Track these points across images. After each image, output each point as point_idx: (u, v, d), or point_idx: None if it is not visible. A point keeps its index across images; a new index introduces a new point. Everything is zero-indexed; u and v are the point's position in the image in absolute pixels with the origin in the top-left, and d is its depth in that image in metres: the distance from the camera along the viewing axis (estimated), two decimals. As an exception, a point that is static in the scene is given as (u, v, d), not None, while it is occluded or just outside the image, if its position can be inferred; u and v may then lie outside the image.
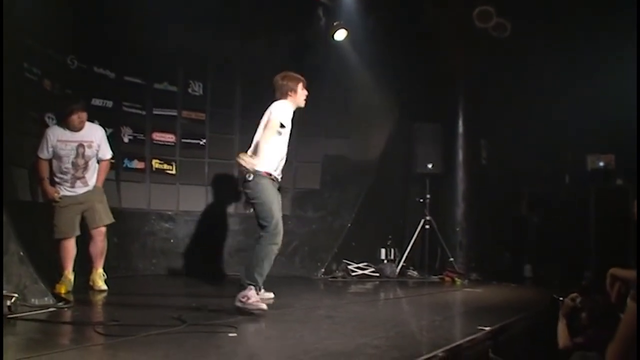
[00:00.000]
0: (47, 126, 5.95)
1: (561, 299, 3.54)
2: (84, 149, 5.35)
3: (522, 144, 7.69)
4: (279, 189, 4.81)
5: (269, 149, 4.63)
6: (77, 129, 5.31)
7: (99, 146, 5.47)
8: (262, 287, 4.42)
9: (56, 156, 5.27)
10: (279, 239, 4.49)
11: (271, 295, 4.95)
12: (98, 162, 5.54)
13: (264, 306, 4.23)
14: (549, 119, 7.55)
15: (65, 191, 5.30)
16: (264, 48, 7.64)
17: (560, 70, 7.40)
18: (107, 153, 5.61)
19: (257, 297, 4.27)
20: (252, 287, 4.30)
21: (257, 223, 4.56)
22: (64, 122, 5.31)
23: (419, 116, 8.06)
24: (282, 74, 4.95)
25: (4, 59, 4.47)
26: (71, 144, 5.30)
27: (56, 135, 5.27)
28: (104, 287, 5.42)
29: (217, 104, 7.63)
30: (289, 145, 4.83)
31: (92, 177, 5.46)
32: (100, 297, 5.16)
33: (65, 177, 5.32)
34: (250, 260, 4.49)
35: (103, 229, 5.47)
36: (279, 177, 4.79)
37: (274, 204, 4.57)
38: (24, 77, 5.80)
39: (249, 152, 4.67)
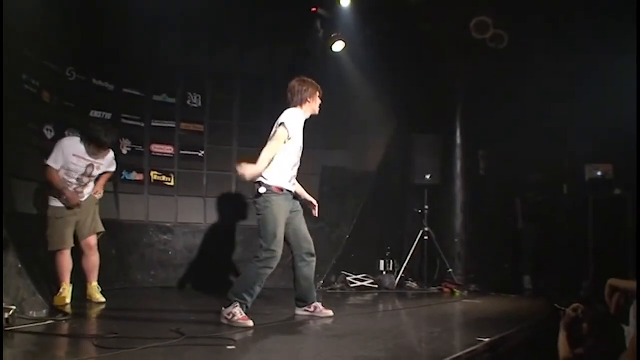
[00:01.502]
0: (46, 138, 5.99)
1: (563, 309, 3.52)
2: (92, 169, 5.38)
3: (520, 154, 7.69)
4: (295, 198, 4.73)
5: (279, 160, 4.53)
6: (95, 157, 5.35)
7: (106, 167, 5.55)
8: (249, 306, 4.33)
9: (65, 168, 5.24)
10: (274, 263, 4.36)
11: (330, 313, 4.86)
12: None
13: (251, 323, 4.19)
14: (546, 130, 7.56)
15: (60, 203, 5.30)
16: (263, 60, 7.68)
17: (558, 80, 7.42)
18: (113, 167, 5.68)
19: (242, 315, 4.23)
20: (237, 304, 4.26)
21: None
22: (87, 143, 5.28)
23: (417, 127, 8.07)
24: (299, 79, 4.80)
25: (3, 71, 4.48)
26: (84, 161, 5.29)
27: (73, 148, 5.24)
28: (102, 299, 5.40)
29: (216, 116, 7.64)
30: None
31: (89, 192, 5.49)
32: (98, 310, 5.14)
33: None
34: (242, 277, 4.46)
35: (92, 242, 5.44)
36: (293, 189, 4.69)
37: (279, 225, 4.43)
38: (23, 88, 5.81)
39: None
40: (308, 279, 4.80)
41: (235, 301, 4.25)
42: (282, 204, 4.50)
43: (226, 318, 4.24)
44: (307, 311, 4.83)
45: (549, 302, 5.56)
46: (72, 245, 5.31)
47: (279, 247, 4.39)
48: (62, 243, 5.23)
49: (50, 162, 5.16)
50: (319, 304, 4.87)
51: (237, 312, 4.22)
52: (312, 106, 4.80)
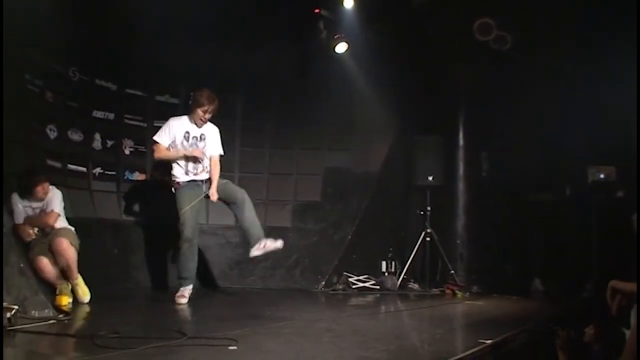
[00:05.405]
0: (48, 138, 6.01)
1: (557, 329, 3.44)
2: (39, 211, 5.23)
3: (522, 156, 7.68)
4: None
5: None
6: (41, 199, 5.18)
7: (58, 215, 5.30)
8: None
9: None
10: None
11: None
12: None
13: None
14: (549, 131, 7.55)
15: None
16: (266, 61, 7.67)
17: (562, 81, 7.42)
18: (52, 206, 5.26)
19: None
20: None
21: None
22: (29, 194, 5.12)
23: (419, 128, 8.07)
24: (200, 91, 5.55)
25: (7, 71, 4.49)
26: (31, 209, 5.19)
27: (22, 202, 5.16)
28: (86, 298, 5.25)
29: (218, 116, 7.61)
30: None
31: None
32: (99, 309, 5.12)
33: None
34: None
35: (62, 245, 5.14)
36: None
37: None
38: (26, 88, 5.83)
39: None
40: None
41: None
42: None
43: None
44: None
45: (551, 303, 5.55)
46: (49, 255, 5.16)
47: None
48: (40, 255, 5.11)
49: (13, 215, 5.09)
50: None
51: None
52: (193, 116, 5.62)
